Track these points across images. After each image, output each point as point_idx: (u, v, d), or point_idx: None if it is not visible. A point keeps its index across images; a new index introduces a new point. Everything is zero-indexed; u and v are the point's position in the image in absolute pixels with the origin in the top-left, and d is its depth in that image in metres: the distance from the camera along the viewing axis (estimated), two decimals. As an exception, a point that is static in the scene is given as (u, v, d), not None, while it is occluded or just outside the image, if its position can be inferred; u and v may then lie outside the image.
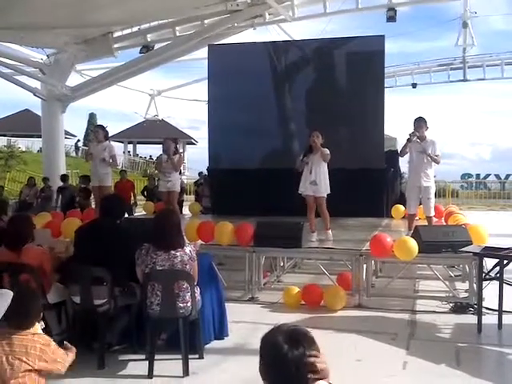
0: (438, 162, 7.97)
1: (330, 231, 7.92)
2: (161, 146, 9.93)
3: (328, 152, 7.82)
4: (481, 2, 22.25)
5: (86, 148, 38.06)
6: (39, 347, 3.01)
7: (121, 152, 38.66)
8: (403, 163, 8.93)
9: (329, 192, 7.95)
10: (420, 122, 7.91)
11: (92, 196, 13.98)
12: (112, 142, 11.24)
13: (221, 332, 5.31)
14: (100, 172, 9.85)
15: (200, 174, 18.41)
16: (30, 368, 2.93)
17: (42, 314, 3.27)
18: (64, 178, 15.55)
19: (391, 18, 13.71)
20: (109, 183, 10.25)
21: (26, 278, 4.53)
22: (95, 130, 10.46)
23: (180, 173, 10.31)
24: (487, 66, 25.86)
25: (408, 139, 7.91)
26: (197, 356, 4.74)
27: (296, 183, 8.16)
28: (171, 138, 9.89)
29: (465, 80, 26.41)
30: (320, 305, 6.43)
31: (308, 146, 7.99)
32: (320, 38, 13.61)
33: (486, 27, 71.85)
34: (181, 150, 11.05)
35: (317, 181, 7.83)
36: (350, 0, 14.32)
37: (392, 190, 11.75)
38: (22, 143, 35.09)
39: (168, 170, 9.33)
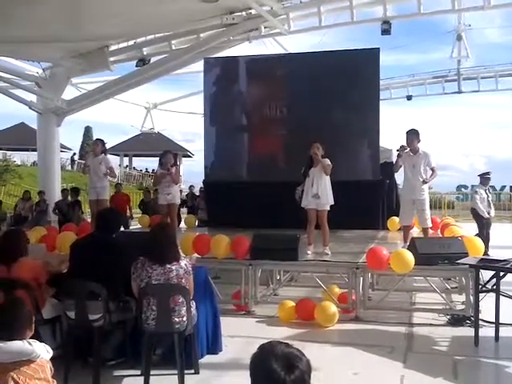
0: (435, 176, 7.96)
1: (327, 248, 7.72)
2: (157, 158, 9.89)
3: (329, 163, 7.70)
4: (475, 14, 22.33)
5: (83, 161, 38.16)
6: (33, 366, 2.90)
7: (117, 165, 38.64)
8: (399, 175, 8.90)
9: (332, 203, 7.79)
10: (411, 135, 7.83)
11: (81, 209, 14.10)
12: (108, 155, 11.25)
13: (214, 347, 5.27)
14: (98, 185, 9.93)
15: (190, 187, 18.37)
16: None
17: (32, 325, 3.13)
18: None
19: (386, 31, 13.78)
20: (106, 196, 10.29)
21: (20, 294, 4.49)
22: (95, 143, 10.51)
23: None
24: (482, 78, 26.02)
25: (398, 155, 7.92)
26: (192, 371, 4.70)
27: (292, 196, 8.11)
28: (170, 151, 9.88)
29: (459, 92, 26.56)
30: (315, 319, 6.36)
31: (309, 158, 7.85)
32: (315, 51, 13.66)
33: (481, 39, 72.68)
34: (178, 163, 10.98)
35: (319, 194, 7.69)
36: (345, 13, 14.41)
37: (388, 202, 11.74)
38: (17, 157, 35.08)
39: (167, 182, 9.27)
